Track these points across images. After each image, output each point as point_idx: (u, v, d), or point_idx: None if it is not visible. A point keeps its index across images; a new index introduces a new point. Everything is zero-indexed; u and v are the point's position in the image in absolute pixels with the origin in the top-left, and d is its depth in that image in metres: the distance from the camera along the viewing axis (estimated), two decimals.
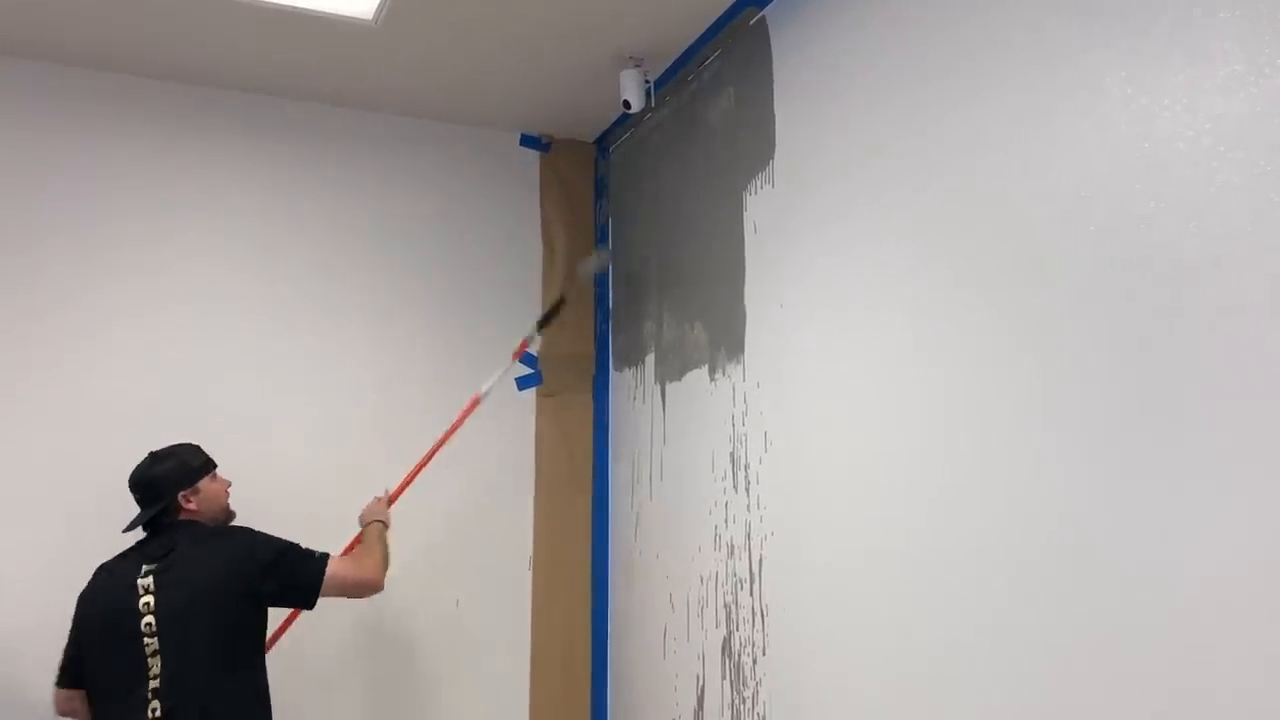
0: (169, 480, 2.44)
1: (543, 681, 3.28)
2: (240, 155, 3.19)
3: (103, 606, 2.33)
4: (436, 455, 2.94)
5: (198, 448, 2.53)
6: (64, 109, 3.01)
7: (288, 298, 3.19)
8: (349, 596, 2.51)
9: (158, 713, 2.22)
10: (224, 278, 3.11)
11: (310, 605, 2.44)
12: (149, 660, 2.24)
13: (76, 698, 2.37)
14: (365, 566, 2.52)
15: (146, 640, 2.25)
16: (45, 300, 2.92)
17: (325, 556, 2.44)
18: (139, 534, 2.44)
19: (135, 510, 2.45)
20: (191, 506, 2.44)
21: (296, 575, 2.40)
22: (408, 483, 2.92)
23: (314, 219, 3.25)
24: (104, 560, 2.42)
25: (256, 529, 2.44)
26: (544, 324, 3.26)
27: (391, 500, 2.88)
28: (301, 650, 2.85)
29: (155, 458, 2.48)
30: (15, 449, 2.83)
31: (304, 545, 2.44)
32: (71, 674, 2.38)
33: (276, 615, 2.54)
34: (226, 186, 3.16)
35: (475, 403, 3.04)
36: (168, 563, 2.32)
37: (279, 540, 2.43)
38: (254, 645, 2.38)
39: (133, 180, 3.06)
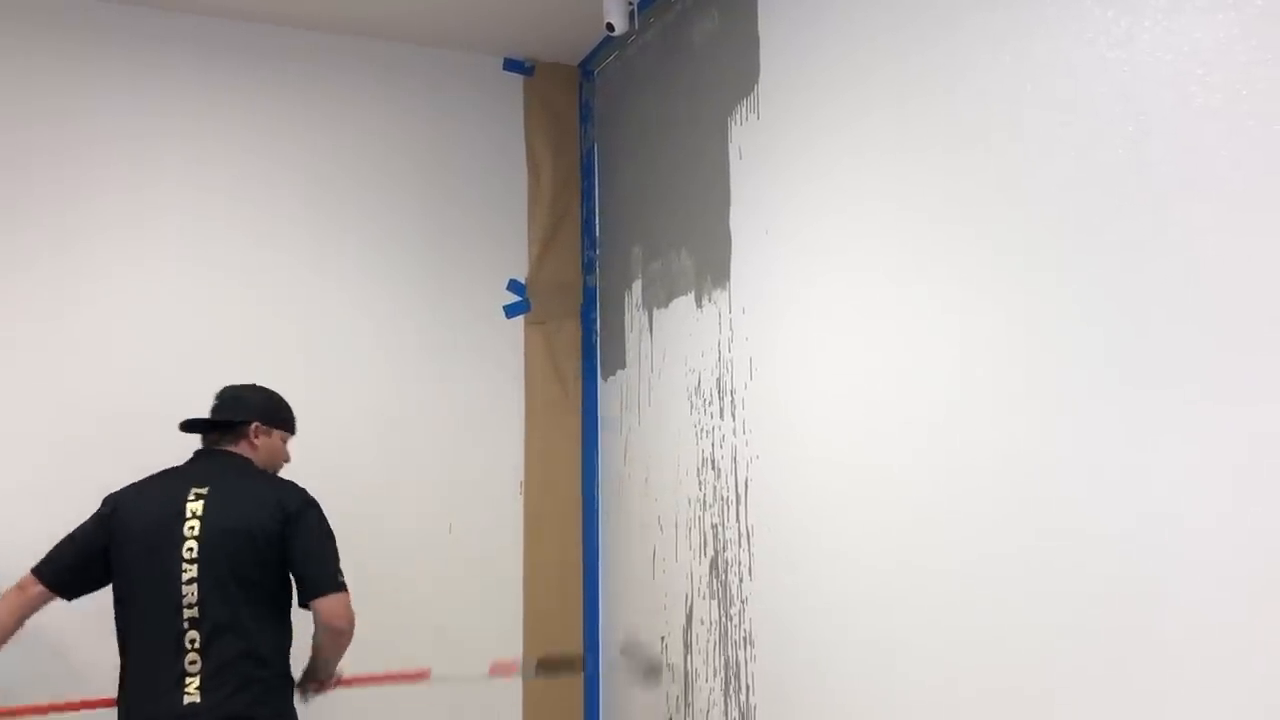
0: (255, 407, 2.46)
1: (536, 604, 3.35)
2: (220, 82, 3.15)
3: (147, 517, 2.29)
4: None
5: (290, 407, 2.54)
6: (47, 37, 2.96)
7: (271, 224, 3.17)
8: (330, 625, 2.32)
9: (196, 643, 2.20)
10: (205, 205, 3.09)
11: (308, 593, 2.30)
12: (184, 588, 2.21)
13: (43, 598, 2.31)
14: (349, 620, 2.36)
15: (185, 565, 2.22)
16: (32, 228, 2.91)
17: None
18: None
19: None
20: (256, 442, 2.44)
21: (325, 551, 2.33)
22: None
23: (296, 148, 3.22)
24: (108, 483, 2.38)
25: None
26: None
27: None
28: None
29: (254, 386, 2.50)
30: (6, 377, 2.85)
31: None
32: (61, 576, 2.30)
33: None
34: (206, 113, 3.12)
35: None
36: (217, 489, 2.31)
37: (326, 521, 2.37)
38: (288, 592, 2.36)
39: (115, 108, 3.02)
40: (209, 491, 2.30)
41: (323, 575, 2.32)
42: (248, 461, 2.43)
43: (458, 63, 3.45)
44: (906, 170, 2.00)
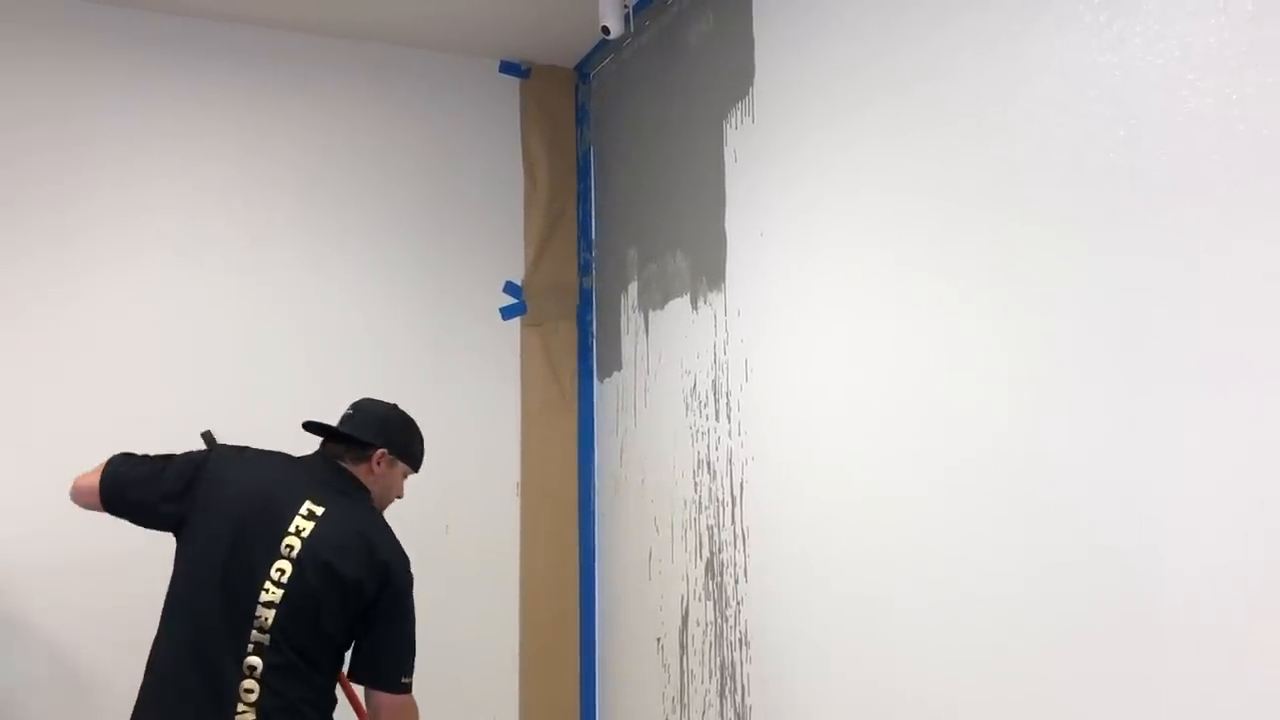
0: (391, 432, 2.27)
1: (532, 604, 3.36)
2: (215, 85, 3.15)
3: (247, 504, 2.09)
4: None
5: (423, 440, 2.38)
6: (42, 39, 2.97)
7: (267, 226, 3.17)
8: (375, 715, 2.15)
9: (257, 672, 1.99)
10: (201, 208, 3.09)
11: (378, 681, 2.10)
12: (260, 609, 2.01)
13: (94, 499, 2.14)
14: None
15: (270, 586, 2.02)
16: (28, 228, 2.91)
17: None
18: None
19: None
20: (377, 469, 2.25)
21: (410, 642, 2.14)
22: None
23: (292, 150, 3.23)
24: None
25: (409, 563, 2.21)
26: None
27: None
28: None
29: (395, 407, 2.31)
30: (2, 376, 2.85)
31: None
32: (122, 504, 2.12)
33: None
34: (202, 116, 3.12)
35: None
36: (330, 517, 2.10)
37: (413, 605, 2.18)
38: (346, 649, 2.15)
39: (111, 109, 3.03)
40: (323, 515, 2.10)
41: (398, 670, 2.13)
42: (366, 494, 2.24)
43: (454, 65, 3.46)
44: (901, 172, 2.01)
